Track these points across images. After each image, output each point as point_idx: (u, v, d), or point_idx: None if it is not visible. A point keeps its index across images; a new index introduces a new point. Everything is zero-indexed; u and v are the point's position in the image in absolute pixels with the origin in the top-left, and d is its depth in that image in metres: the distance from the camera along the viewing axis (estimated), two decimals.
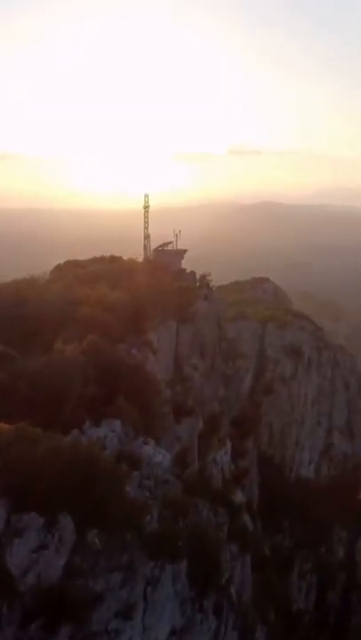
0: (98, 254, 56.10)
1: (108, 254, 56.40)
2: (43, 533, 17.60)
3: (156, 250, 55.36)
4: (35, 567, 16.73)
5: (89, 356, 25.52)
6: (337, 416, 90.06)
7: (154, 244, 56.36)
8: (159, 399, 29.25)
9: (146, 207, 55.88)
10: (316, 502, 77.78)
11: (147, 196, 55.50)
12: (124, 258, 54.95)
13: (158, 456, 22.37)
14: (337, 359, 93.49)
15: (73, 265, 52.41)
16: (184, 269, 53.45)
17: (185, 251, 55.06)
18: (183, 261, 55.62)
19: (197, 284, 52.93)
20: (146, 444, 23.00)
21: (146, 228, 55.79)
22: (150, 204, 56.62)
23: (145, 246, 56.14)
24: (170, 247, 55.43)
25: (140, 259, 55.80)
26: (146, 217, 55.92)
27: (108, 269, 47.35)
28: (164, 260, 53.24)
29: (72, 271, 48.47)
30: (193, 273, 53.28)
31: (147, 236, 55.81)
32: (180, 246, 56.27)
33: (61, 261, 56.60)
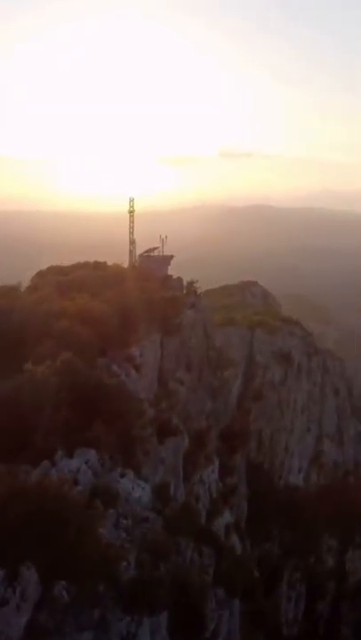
0: (86, 257, 53.98)
1: (96, 257, 54.21)
2: (2, 588, 15.32)
3: (141, 256, 53.05)
4: None
5: (63, 377, 23.22)
6: (327, 423, 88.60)
7: (143, 248, 54.03)
8: (141, 421, 26.96)
9: (131, 211, 53.55)
10: (305, 510, 76.19)
11: (132, 199, 53.17)
12: (111, 262, 52.98)
13: (137, 490, 20.11)
14: (327, 365, 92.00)
15: (55, 271, 50.03)
16: (170, 276, 51.21)
17: (171, 257, 52.78)
18: (170, 267, 53.34)
19: (184, 292, 50.81)
20: (124, 475, 20.72)
21: (131, 232, 53.48)
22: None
23: (130, 252, 53.82)
24: (156, 253, 53.13)
25: (126, 264, 53.57)
26: (131, 221, 53.61)
27: (91, 277, 45.08)
28: (150, 267, 50.97)
29: (54, 278, 46.16)
30: (180, 280, 51.07)
31: (132, 242, 53.50)
32: (168, 251, 54.06)
33: (50, 263, 54.43)
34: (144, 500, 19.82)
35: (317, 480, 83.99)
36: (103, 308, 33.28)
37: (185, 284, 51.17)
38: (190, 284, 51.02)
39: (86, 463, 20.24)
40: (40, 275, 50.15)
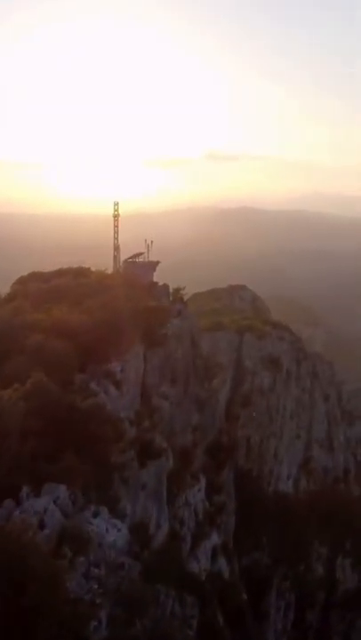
0: (77, 258, 51.67)
1: (87, 259, 51.80)
2: None
3: (126, 261, 50.53)
4: None
5: (32, 401, 20.78)
6: (316, 429, 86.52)
7: (132, 250, 51.38)
8: (120, 444, 24.60)
9: (115, 216, 51.04)
10: (294, 518, 74.17)
11: (116, 203, 50.67)
12: (100, 265, 50.48)
13: (112, 532, 17.70)
14: (316, 370, 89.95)
15: (36, 278, 47.44)
16: (155, 283, 48.75)
17: (157, 262, 50.31)
18: (156, 272, 50.87)
19: (170, 299, 48.45)
20: (97, 515, 18.30)
21: (115, 238, 50.96)
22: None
23: (114, 257, 51.29)
24: (141, 258, 50.64)
25: (110, 270, 51.12)
26: (116, 226, 51.10)
27: (72, 284, 42.58)
28: (135, 273, 48.50)
29: (35, 285, 43.59)
30: (166, 286, 48.65)
31: (116, 247, 50.96)
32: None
33: (39, 266, 52.08)
34: (119, 544, 17.43)
35: (307, 487, 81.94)
36: (82, 319, 30.83)
37: (171, 290, 48.82)
38: (177, 290, 48.66)
39: (55, 501, 17.81)
40: (20, 281, 47.58)
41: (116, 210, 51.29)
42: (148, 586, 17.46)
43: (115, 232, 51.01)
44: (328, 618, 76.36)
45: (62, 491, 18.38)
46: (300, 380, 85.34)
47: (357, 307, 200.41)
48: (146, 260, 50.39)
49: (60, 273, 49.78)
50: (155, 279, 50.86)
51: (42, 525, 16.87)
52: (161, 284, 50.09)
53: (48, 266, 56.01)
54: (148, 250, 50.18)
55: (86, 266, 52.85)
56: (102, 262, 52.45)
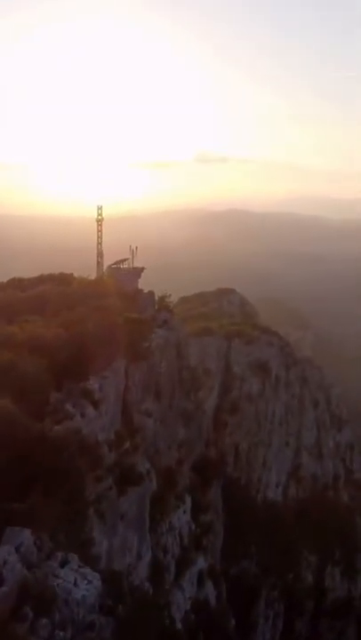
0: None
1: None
2: None
3: (110, 267, 48.11)
4: None
5: None
6: (306, 435, 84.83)
7: (119, 253, 48.91)
8: (97, 473, 22.32)
9: (99, 220, 48.62)
10: (283, 526, 72.92)
11: (100, 207, 48.19)
12: (86, 267, 48.04)
13: (82, 585, 15.39)
14: (305, 376, 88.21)
15: (15, 285, 44.97)
16: (141, 290, 46.41)
17: (142, 269, 47.97)
18: (140, 280, 48.53)
19: (155, 307, 46.18)
20: (66, 564, 16.00)
21: (99, 243, 48.56)
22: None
23: (98, 263, 48.88)
24: (126, 264, 48.28)
25: (93, 276, 48.76)
26: (99, 231, 48.69)
27: (52, 293, 40.19)
28: (119, 280, 46.14)
29: (12, 294, 41.15)
30: (151, 294, 46.32)
31: (100, 253, 48.54)
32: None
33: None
34: (89, 600, 15.13)
35: (296, 494, 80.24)
36: (59, 334, 28.46)
37: (157, 298, 46.55)
38: (162, 298, 46.41)
39: (17, 550, 15.49)
40: None
41: (99, 214, 48.90)
42: None
43: (98, 237, 48.60)
44: (317, 627, 74.73)
45: (26, 536, 16.05)
46: (290, 386, 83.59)
47: (346, 309, 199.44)
48: (131, 266, 48.07)
49: (40, 279, 47.43)
50: (140, 286, 48.63)
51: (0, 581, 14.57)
52: (147, 290, 47.94)
53: (34, 269, 53.77)
54: (133, 256, 47.85)
55: (69, 271, 50.73)
56: (89, 265, 50.09)
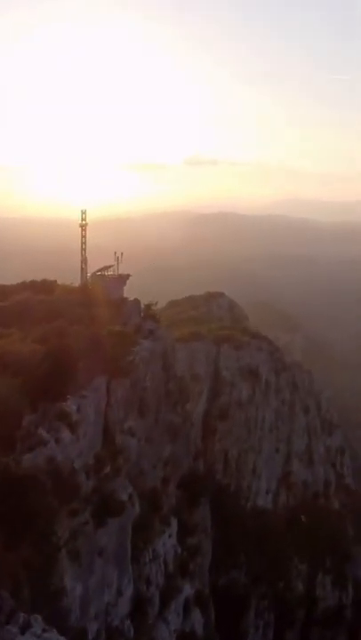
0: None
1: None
2: None
3: (94, 275, 45.80)
4: None
5: None
6: (296, 442, 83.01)
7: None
8: (71, 506, 20.11)
9: (83, 225, 46.30)
10: (273, 534, 71.41)
11: (84, 212, 45.86)
12: (73, 270, 45.69)
13: None
14: (296, 381, 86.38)
15: None
16: (126, 298, 44.17)
17: (128, 276, 45.72)
18: (126, 287, 46.30)
19: (141, 315, 44.02)
20: (27, 628, 13.76)
21: (83, 249, 46.23)
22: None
23: (82, 270, 46.56)
24: (111, 271, 46.01)
25: (77, 283, 46.50)
26: (83, 236, 46.38)
27: (32, 302, 37.94)
28: (103, 288, 43.88)
29: None
30: (137, 302, 44.10)
31: (83, 260, 46.22)
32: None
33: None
34: None
35: (286, 502, 78.47)
36: (34, 349, 26.20)
37: (143, 306, 44.38)
38: (148, 306, 44.23)
39: None
40: None
41: (83, 218, 46.60)
42: None
43: (82, 243, 46.28)
44: (308, 636, 73.05)
45: None
46: (280, 392, 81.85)
47: (336, 312, 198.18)
48: (116, 273, 45.81)
49: (23, 286, 45.15)
50: (125, 293, 46.43)
51: None
52: (135, 295, 45.80)
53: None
54: (119, 262, 45.60)
55: (59, 274, 48.54)
56: (77, 268, 47.71)
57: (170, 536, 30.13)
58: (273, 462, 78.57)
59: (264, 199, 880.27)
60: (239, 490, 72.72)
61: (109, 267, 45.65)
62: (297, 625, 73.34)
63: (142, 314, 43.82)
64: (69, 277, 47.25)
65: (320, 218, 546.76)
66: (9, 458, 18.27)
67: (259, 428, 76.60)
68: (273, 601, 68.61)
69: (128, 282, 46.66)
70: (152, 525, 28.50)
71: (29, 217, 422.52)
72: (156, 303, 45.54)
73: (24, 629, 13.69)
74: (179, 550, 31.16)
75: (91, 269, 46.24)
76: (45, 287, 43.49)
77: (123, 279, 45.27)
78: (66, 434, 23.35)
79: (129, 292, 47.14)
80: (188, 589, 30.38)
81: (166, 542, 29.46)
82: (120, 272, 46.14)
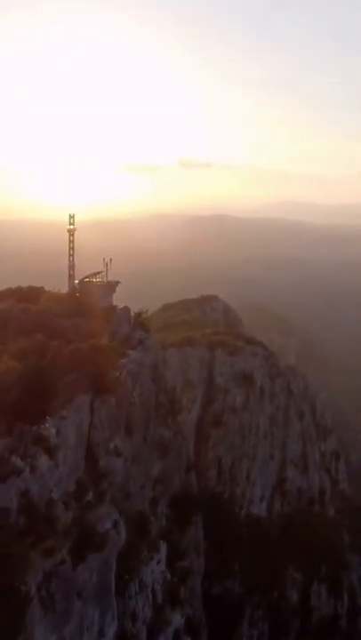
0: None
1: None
2: None
3: (82, 281, 43.52)
4: None
5: None
6: (291, 448, 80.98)
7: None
8: (47, 544, 17.95)
9: (71, 230, 44.07)
10: (268, 542, 69.62)
11: (72, 216, 43.66)
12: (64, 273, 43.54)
13: None
14: (291, 387, 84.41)
15: None
16: (115, 306, 41.93)
17: (117, 283, 43.49)
18: (115, 294, 44.07)
19: (131, 322, 41.80)
20: None
21: (71, 255, 43.99)
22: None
23: (70, 276, 44.32)
24: (99, 277, 43.75)
25: (65, 290, 44.32)
26: (71, 241, 44.14)
27: (15, 311, 35.71)
28: (92, 295, 41.67)
29: None
30: (126, 310, 41.83)
31: (71, 266, 43.97)
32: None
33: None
34: None
35: (281, 509, 76.46)
36: (11, 367, 23.98)
37: (132, 314, 42.15)
38: (139, 314, 42.00)
39: None
40: None
41: (71, 222, 44.37)
42: None
43: (70, 248, 44.05)
44: None
45: None
46: (274, 397, 79.97)
47: (332, 314, 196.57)
48: (105, 279, 43.58)
49: (8, 293, 42.88)
50: (115, 301, 44.24)
51: None
52: (127, 299, 43.68)
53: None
54: (107, 268, 43.37)
55: (50, 276, 46.41)
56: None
57: (158, 562, 27.97)
58: (267, 469, 76.76)
59: (258, 201, 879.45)
60: (233, 497, 71.18)
61: (98, 273, 43.46)
62: (291, 635, 71.45)
63: (132, 322, 41.62)
64: (60, 281, 45.12)
65: (315, 220, 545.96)
66: None
67: (253, 435, 74.98)
68: (267, 610, 66.94)
69: (121, 284, 44.62)
70: (139, 553, 26.33)
71: (19, 219, 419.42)
72: (147, 311, 43.37)
73: None
74: (168, 576, 28.99)
75: (82, 272, 44.13)
76: (31, 294, 41.27)
77: (112, 286, 43.06)
78: (43, 460, 21.19)
79: (122, 294, 45.09)
80: (177, 619, 28.19)
81: (155, 569, 27.29)
82: (109, 279, 43.95)
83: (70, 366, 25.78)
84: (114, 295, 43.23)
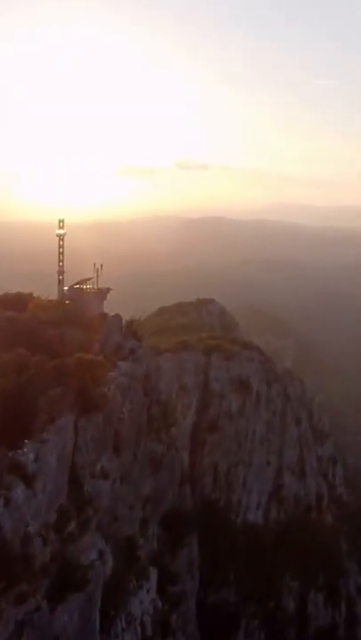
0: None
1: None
2: None
3: (71, 288, 41.43)
4: None
5: None
6: (288, 454, 79.04)
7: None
8: (20, 587, 15.89)
9: (60, 235, 41.98)
10: (264, 550, 68.03)
11: (62, 221, 41.54)
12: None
13: None
14: (287, 392, 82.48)
15: None
16: (106, 314, 39.80)
17: (108, 290, 41.35)
18: (106, 301, 41.96)
19: (122, 331, 39.75)
20: None
21: (61, 260, 41.89)
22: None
23: (59, 282, 42.23)
24: (90, 284, 41.67)
25: (54, 297, 42.22)
26: (61, 246, 42.05)
27: (0, 321, 33.64)
28: (81, 302, 39.61)
29: None
30: (118, 318, 39.68)
31: (60, 271, 41.88)
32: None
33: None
34: None
35: (277, 516, 74.63)
36: None
37: (124, 322, 40.06)
38: (130, 322, 39.93)
39: None
40: None
41: (61, 227, 42.28)
42: None
43: (59, 253, 41.96)
44: None
45: None
46: (271, 403, 78.21)
47: (329, 316, 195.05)
48: (95, 286, 41.48)
49: None
50: (112, 301, 42.19)
51: None
52: (122, 301, 41.69)
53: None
54: (98, 275, 41.27)
55: (44, 278, 44.58)
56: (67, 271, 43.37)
57: (148, 591, 25.90)
58: (264, 475, 75.04)
59: (255, 203, 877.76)
60: (229, 504, 69.69)
61: (88, 279, 41.36)
62: None
63: (123, 330, 39.55)
64: (50, 285, 43.11)
65: (311, 222, 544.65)
66: None
67: (249, 441, 73.50)
68: (263, 620, 65.34)
69: (118, 286, 42.60)
70: (127, 584, 24.26)
71: (12, 221, 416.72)
72: (139, 318, 41.32)
73: None
74: (159, 604, 26.91)
75: (80, 275, 42.10)
76: (19, 302, 39.14)
77: (103, 293, 40.95)
78: (19, 490, 19.10)
79: (119, 296, 43.14)
80: None
81: (144, 599, 25.23)
82: (100, 285, 41.86)
83: (53, 382, 23.72)
84: (105, 302, 41.17)
